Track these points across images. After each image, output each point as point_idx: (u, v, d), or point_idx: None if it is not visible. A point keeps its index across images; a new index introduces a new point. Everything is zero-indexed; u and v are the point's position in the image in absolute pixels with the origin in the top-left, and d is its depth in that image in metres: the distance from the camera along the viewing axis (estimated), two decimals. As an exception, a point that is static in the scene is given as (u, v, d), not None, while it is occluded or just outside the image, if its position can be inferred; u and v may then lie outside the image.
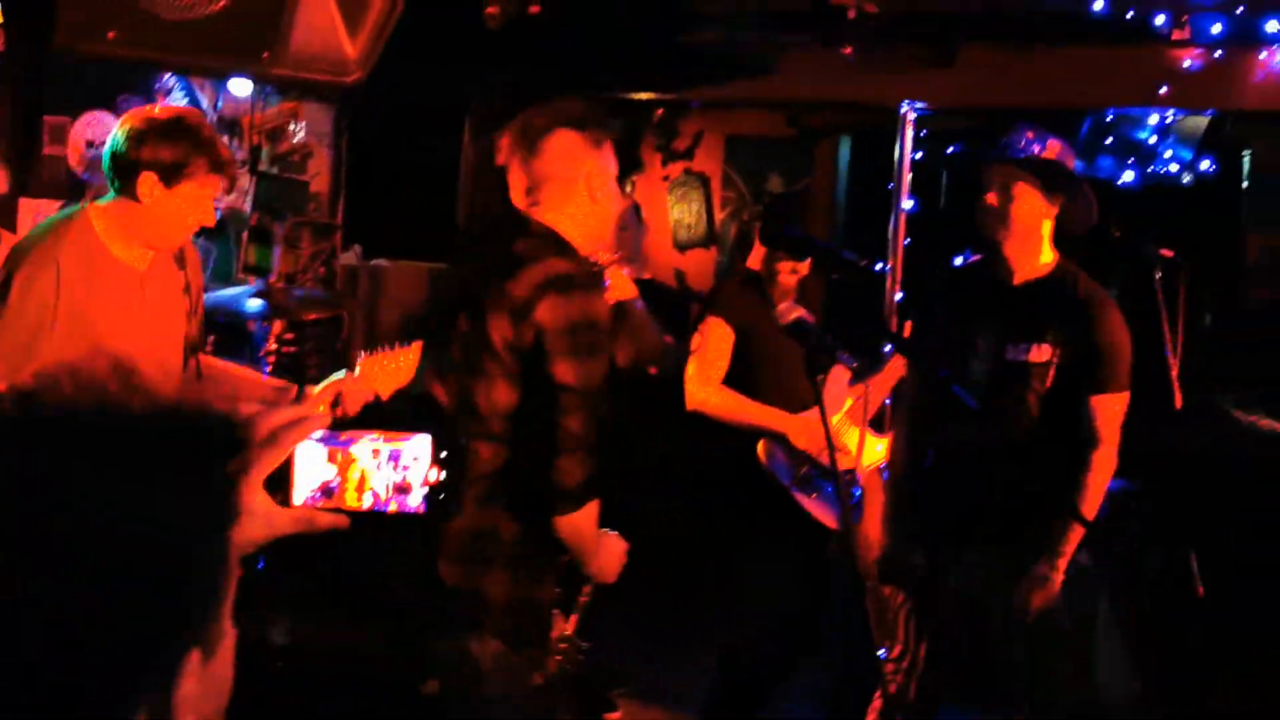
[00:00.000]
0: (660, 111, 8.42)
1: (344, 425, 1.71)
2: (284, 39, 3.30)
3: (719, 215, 8.62)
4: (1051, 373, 4.24)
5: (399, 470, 1.65)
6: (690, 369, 5.30)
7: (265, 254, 7.17)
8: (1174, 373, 4.84)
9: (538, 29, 5.94)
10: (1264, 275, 7.17)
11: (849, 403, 5.39)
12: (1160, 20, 5.34)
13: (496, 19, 5.59)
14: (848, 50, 5.69)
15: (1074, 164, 4.41)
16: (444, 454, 1.68)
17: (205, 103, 6.79)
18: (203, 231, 3.86)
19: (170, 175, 3.54)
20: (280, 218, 7.19)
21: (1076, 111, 6.09)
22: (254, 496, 1.51)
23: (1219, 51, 5.56)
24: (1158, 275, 4.82)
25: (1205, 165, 6.52)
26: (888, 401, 5.52)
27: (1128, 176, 6.41)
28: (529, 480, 3.27)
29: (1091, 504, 4.22)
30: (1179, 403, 4.63)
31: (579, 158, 3.34)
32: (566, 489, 3.23)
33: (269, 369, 5.89)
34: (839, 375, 5.31)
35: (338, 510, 1.67)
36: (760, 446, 5.22)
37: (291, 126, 7.07)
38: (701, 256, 8.66)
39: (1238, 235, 7.20)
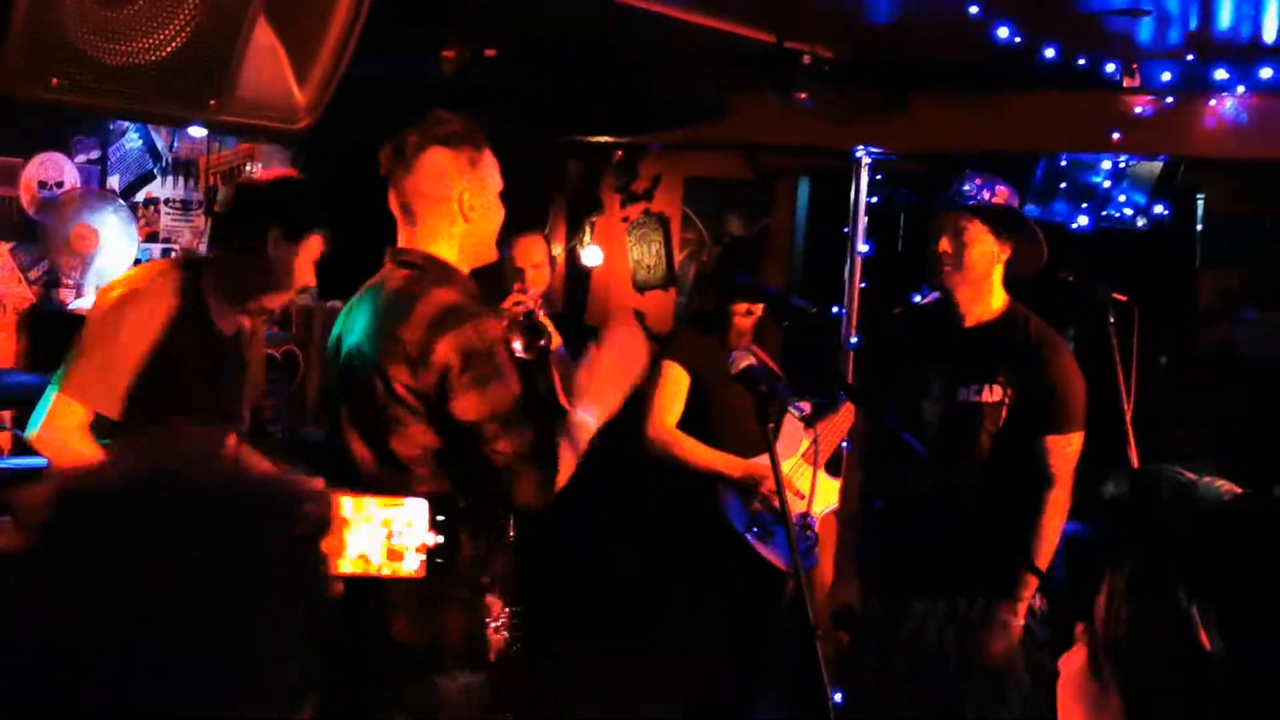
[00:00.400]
0: (619, 154, 8.43)
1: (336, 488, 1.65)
2: (232, 86, 3.27)
3: (678, 256, 8.62)
4: (1004, 414, 4.26)
5: (394, 535, 1.60)
6: (647, 413, 5.30)
7: (220, 296, 7.13)
8: (1128, 416, 4.85)
9: (494, 72, 5.93)
10: (1216, 316, 7.22)
11: (804, 445, 5.40)
12: (1110, 68, 5.38)
13: (452, 63, 5.58)
14: (802, 95, 5.70)
15: (1023, 208, 4.44)
16: (440, 518, 1.63)
17: (161, 143, 6.76)
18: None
19: (293, 231, 3.72)
20: (236, 259, 7.16)
21: (1030, 156, 6.12)
22: None
23: (1170, 98, 5.61)
24: (1111, 319, 4.84)
25: (1159, 209, 6.56)
26: (844, 445, 5.52)
27: (1082, 221, 6.44)
28: (479, 507, 3.21)
29: (1046, 546, 4.23)
30: (1135, 460, 4.63)
31: (450, 176, 3.33)
32: (537, 500, 3.20)
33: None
34: (794, 418, 5.31)
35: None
36: (717, 491, 5.23)
37: (247, 168, 7.04)
38: (660, 298, 8.65)
39: (1191, 278, 7.25)
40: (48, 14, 2.88)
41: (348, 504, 1.66)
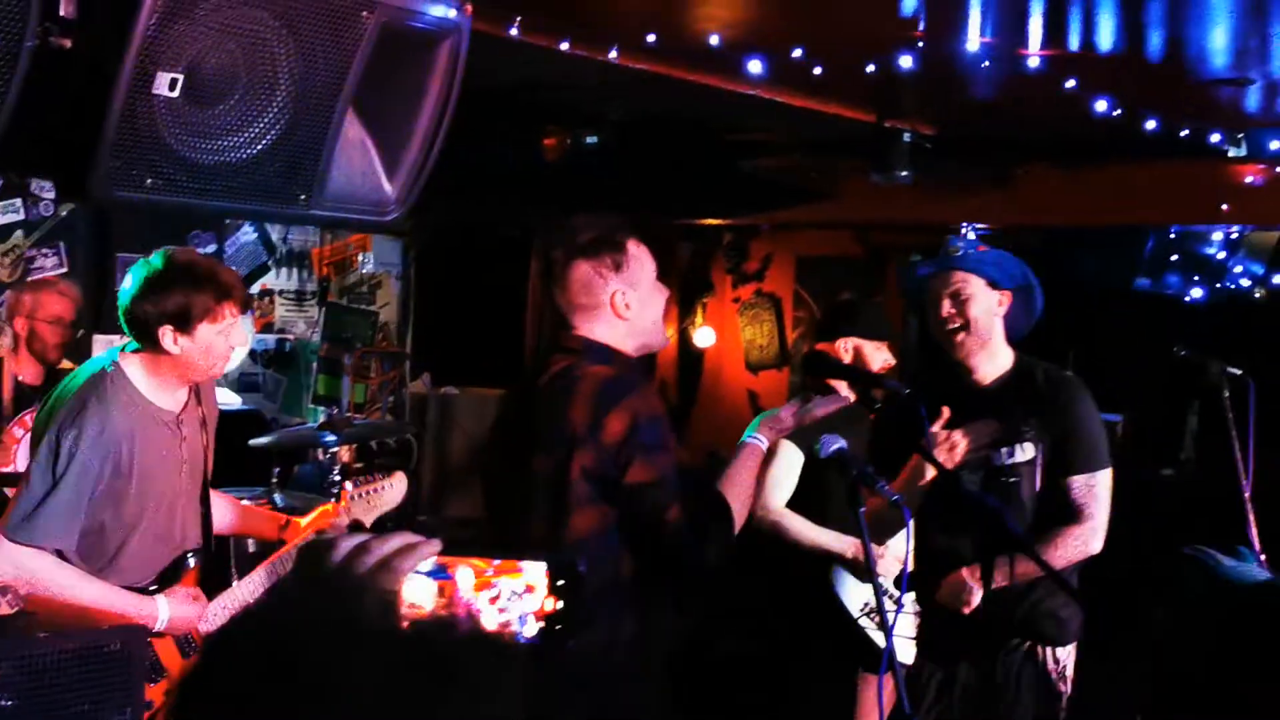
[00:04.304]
0: (729, 236, 8.44)
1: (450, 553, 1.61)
2: (322, 180, 3.34)
3: (791, 335, 8.60)
4: (1039, 469, 4.17)
5: (512, 600, 1.56)
6: (757, 491, 5.19)
7: (334, 384, 7.24)
8: (1247, 495, 4.71)
9: (597, 158, 5.99)
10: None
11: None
12: (1216, 138, 5.28)
13: (553, 150, 5.65)
14: (903, 173, 5.66)
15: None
16: (560, 582, 1.59)
17: (275, 236, 6.92)
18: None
19: (183, 323, 3.52)
20: (349, 348, 7.28)
21: (1139, 229, 6.01)
22: None
23: (1280, 167, 5.49)
24: (1226, 394, 4.71)
25: (1278, 279, 6.40)
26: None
27: (1196, 293, 6.31)
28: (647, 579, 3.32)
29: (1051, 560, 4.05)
30: (1256, 540, 4.49)
31: (598, 285, 3.38)
32: (712, 564, 3.26)
33: (336, 499, 5.90)
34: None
35: None
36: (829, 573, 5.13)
37: (360, 258, 7.17)
38: (774, 377, 8.63)
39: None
40: (140, 116, 2.96)
41: (471, 570, 1.62)
